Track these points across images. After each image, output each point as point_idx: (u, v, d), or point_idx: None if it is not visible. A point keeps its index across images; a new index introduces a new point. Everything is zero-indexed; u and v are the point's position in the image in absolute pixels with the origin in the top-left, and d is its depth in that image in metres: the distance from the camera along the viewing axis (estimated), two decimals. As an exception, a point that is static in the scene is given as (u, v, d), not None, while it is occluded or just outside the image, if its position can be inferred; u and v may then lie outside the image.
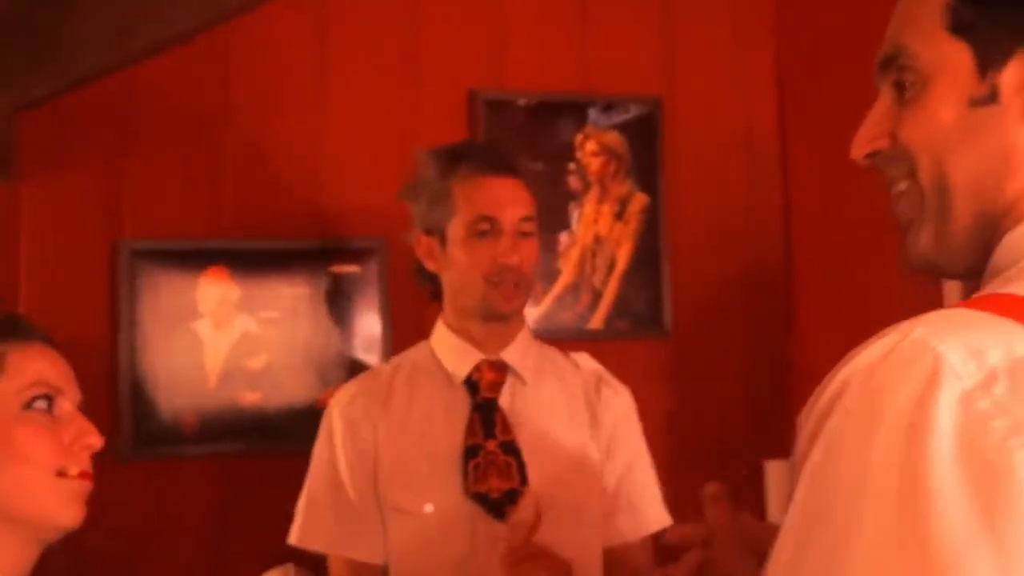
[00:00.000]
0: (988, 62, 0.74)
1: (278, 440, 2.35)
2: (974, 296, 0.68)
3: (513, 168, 1.76)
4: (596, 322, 2.60)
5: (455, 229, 1.70)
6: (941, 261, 0.80)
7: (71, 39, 2.17)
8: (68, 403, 1.19)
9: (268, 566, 1.92)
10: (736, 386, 2.56)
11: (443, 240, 1.72)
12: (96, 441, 1.19)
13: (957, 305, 0.65)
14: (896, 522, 0.56)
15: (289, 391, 2.39)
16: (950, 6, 0.75)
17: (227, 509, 2.33)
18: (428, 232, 1.74)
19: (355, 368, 2.38)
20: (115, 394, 2.29)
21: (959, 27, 0.75)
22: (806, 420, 0.65)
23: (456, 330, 1.76)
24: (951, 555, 0.55)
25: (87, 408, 1.23)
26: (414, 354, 1.82)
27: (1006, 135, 0.73)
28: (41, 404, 1.16)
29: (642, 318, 2.63)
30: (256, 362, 2.38)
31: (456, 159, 1.73)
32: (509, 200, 1.71)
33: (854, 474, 0.59)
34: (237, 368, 2.37)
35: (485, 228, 1.68)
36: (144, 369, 2.32)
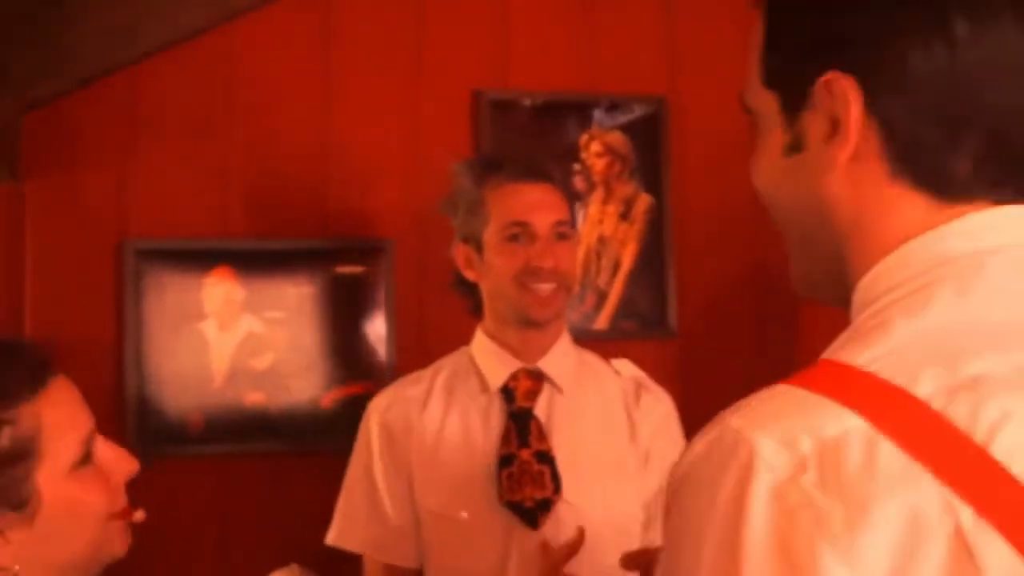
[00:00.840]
0: (791, 110, 0.73)
1: (283, 440, 2.35)
2: (802, 370, 0.68)
3: (546, 174, 1.78)
4: (601, 323, 2.60)
5: (490, 236, 1.72)
6: (808, 293, 0.82)
7: (76, 39, 2.18)
8: (99, 439, 1.16)
9: (273, 566, 1.92)
10: (742, 386, 2.55)
11: (479, 248, 1.74)
12: (133, 468, 1.17)
13: (781, 382, 0.66)
14: None
15: (294, 391, 2.39)
16: (761, 58, 0.76)
17: (232, 508, 2.34)
18: (466, 241, 1.76)
19: (361, 369, 2.39)
20: (121, 394, 2.29)
21: (768, 78, 0.75)
22: (664, 502, 0.67)
23: (494, 337, 1.77)
24: None
25: (93, 408, 1.22)
26: (454, 359, 1.84)
27: (815, 184, 0.72)
28: (86, 460, 1.12)
29: (648, 319, 2.63)
30: (261, 362, 2.39)
31: (489, 168, 1.77)
32: (542, 205, 1.73)
33: (691, 568, 0.61)
34: (242, 368, 2.37)
35: (517, 232, 1.70)
36: (150, 369, 2.32)
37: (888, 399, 0.61)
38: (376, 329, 2.45)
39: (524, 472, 1.68)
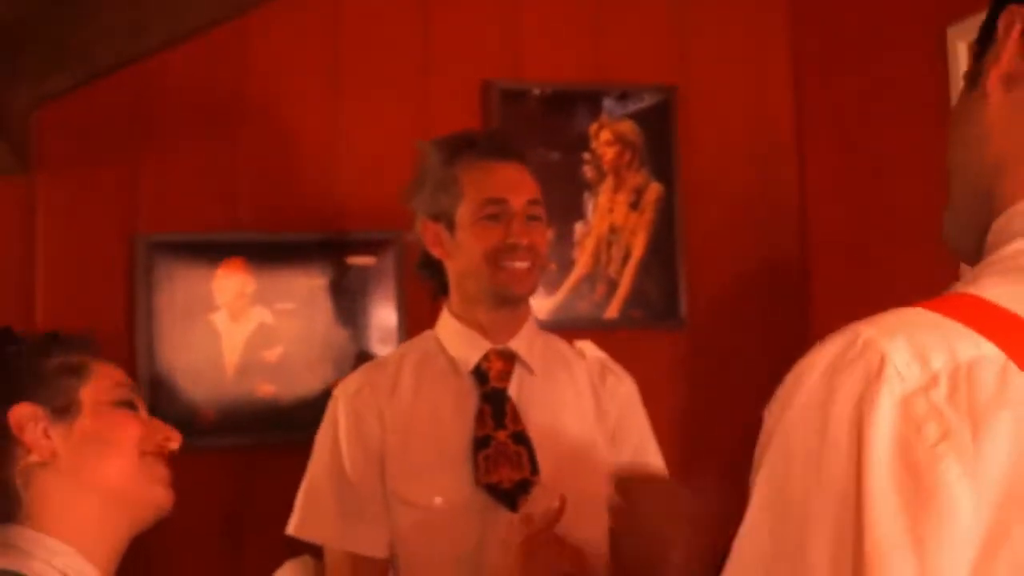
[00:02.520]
0: (979, 47, 0.75)
1: (294, 431, 2.36)
2: (934, 297, 0.68)
3: (519, 154, 1.76)
4: (611, 312, 2.60)
5: (463, 214, 1.69)
6: (952, 244, 0.81)
7: (88, 33, 2.18)
8: (143, 410, 1.31)
9: (285, 557, 1.93)
10: (752, 376, 2.55)
11: (451, 226, 1.71)
12: (175, 435, 1.31)
13: (914, 305, 0.65)
14: (836, 521, 0.58)
15: (305, 382, 2.40)
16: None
17: (244, 500, 2.35)
18: (435, 219, 1.73)
19: (371, 359, 2.39)
20: (133, 386, 2.30)
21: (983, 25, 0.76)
22: (769, 413, 0.67)
23: (462, 318, 1.74)
24: (878, 558, 0.56)
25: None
26: (420, 343, 1.81)
27: (975, 116, 0.74)
28: (127, 404, 1.27)
29: (657, 308, 2.63)
30: (272, 354, 2.39)
31: (461, 146, 1.73)
32: (517, 183, 1.71)
33: (807, 468, 0.61)
34: (254, 360, 2.38)
35: (494, 211, 1.68)
36: (161, 361, 2.33)
37: (1022, 333, 0.61)
38: (386, 320, 2.46)
39: (500, 453, 1.66)
